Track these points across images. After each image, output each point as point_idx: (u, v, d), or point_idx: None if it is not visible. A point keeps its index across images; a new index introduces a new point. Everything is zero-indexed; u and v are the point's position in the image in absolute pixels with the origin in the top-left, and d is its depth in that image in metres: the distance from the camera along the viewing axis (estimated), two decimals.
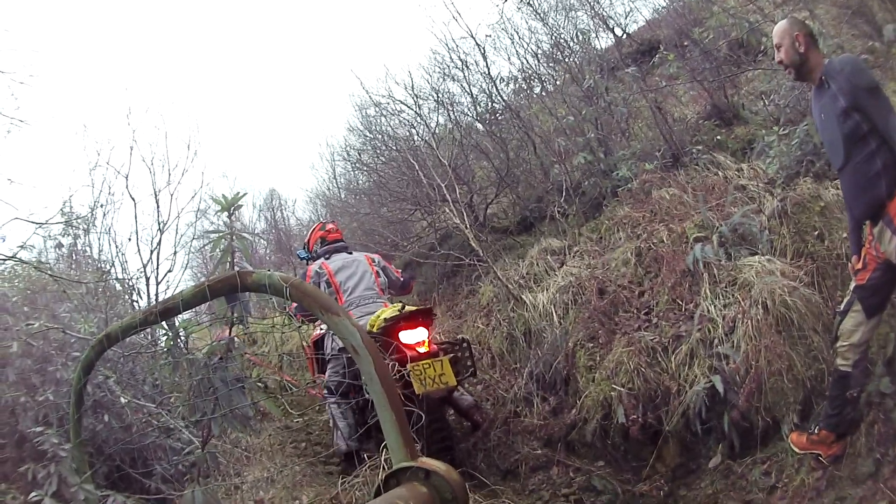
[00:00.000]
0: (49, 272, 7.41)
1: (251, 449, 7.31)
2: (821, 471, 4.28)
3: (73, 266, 8.27)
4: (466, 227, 8.08)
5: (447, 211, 8.66)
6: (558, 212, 8.46)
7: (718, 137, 7.74)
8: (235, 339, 4.84)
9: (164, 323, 5.00)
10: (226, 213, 4.37)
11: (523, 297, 7.36)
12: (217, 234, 4.45)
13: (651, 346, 5.57)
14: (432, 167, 9.64)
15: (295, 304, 7.38)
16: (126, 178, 6.88)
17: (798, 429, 4.83)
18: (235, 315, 5.09)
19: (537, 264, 8.06)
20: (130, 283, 7.36)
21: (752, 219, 5.82)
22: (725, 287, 5.46)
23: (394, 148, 11.64)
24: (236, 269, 4.30)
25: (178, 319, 5.10)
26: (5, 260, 6.82)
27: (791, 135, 6.42)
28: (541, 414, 6.28)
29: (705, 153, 7.35)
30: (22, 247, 6.90)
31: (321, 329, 7.46)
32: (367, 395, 6.90)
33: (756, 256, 5.54)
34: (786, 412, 4.77)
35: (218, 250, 4.43)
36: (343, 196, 14.92)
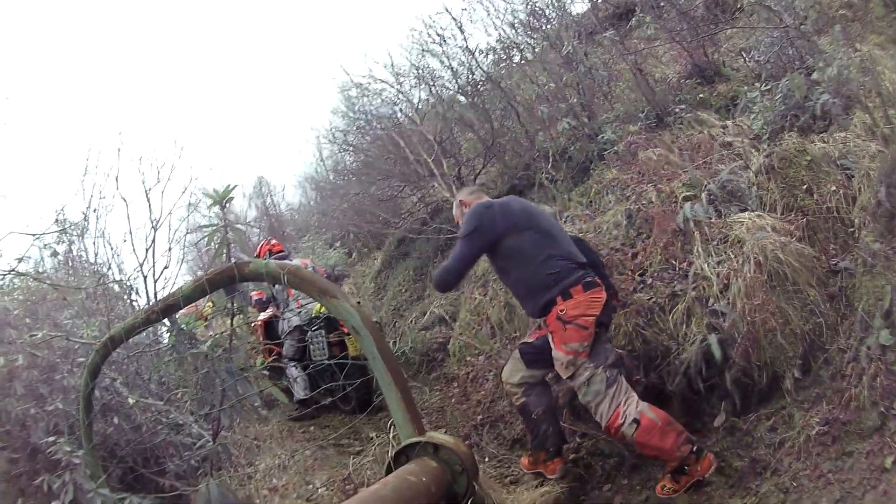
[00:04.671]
0: (48, 281, 7.34)
1: (261, 437, 7.24)
2: (826, 426, 4.22)
3: (71, 273, 8.18)
4: (454, 199, 7.98)
5: (435, 185, 8.57)
6: (546, 178, 8.36)
7: (701, 96, 7.71)
8: (237, 329, 4.84)
9: (166, 320, 5.01)
10: (218, 207, 4.31)
11: None
12: (211, 228, 4.37)
13: (648, 307, 5.47)
14: (418, 143, 9.55)
15: (255, 297, 9.71)
16: (116, 180, 6.75)
17: (530, 453, 5.46)
18: (236, 306, 5.06)
19: None
20: (128, 284, 7.26)
21: (740, 175, 5.76)
22: (717, 244, 5.38)
23: (378, 127, 11.52)
24: (233, 260, 4.23)
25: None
26: (5, 274, 6.73)
27: (774, 90, 6.35)
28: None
29: (689, 112, 7.29)
30: (20, 260, 6.84)
31: (263, 315, 9.86)
32: (324, 363, 8.07)
33: (746, 213, 5.47)
34: (786, 367, 4.71)
35: (213, 244, 4.35)
36: (332, 178, 14.78)
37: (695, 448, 4.53)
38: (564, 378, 4.97)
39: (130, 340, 6.26)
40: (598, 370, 4.74)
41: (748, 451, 4.59)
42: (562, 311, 4.80)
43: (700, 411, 5.22)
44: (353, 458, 5.64)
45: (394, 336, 9.90)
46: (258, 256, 9.27)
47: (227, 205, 4.34)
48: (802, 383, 4.67)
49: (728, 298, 5.00)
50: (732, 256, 5.16)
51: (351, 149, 12.75)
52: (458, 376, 7.57)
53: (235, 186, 4.28)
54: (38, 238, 6.83)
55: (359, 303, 7.58)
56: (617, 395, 4.70)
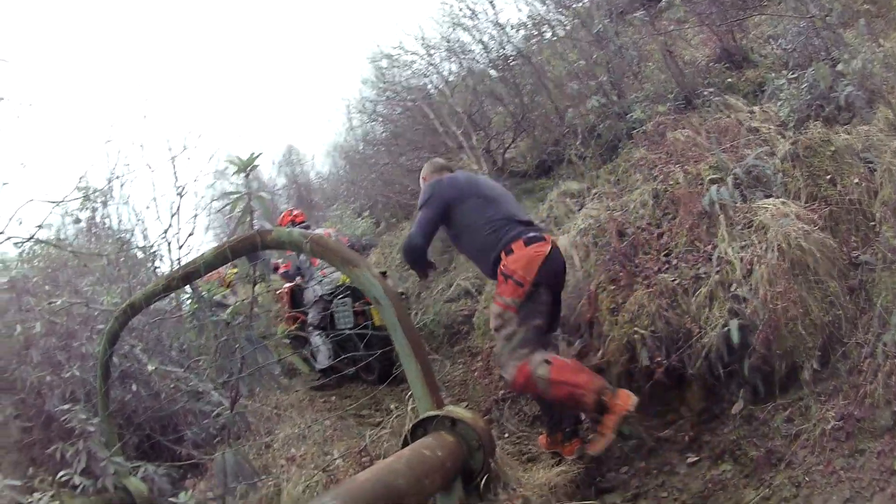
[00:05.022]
0: (69, 248, 7.33)
1: (281, 406, 7.28)
2: (841, 421, 4.17)
3: (93, 240, 8.17)
4: (483, 172, 7.96)
5: (464, 158, 8.52)
6: (575, 155, 8.31)
7: (729, 80, 7.62)
8: (259, 297, 4.80)
9: (187, 287, 4.99)
10: (242, 174, 4.19)
11: None
12: (234, 195, 4.25)
13: (671, 288, 5.42)
14: (447, 115, 9.48)
15: (282, 269, 9.64)
16: (141, 147, 6.74)
17: (547, 433, 5.52)
18: (258, 273, 5.06)
19: (557, 207, 7.91)
20: (152, 250, 7.25)
21: (766, 161, 5.67)
22: (742, 229, 5.31)
23: (408, 98, 11.44)
24: (255, 228, 4.15)
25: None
26: (24, 241, 6.72)
27: (800, 79, 6.27)
28: (568, 358, 6.15)
29: (717, 95, 7.18)
30: (40, 226, 6.82)
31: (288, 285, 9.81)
32: (347, 332, 8.01)
33: (771, 199, 5.38)
34: (805, 358, 4.65)
35: (236, 211, 4.25)
36: (361, 148, 14.72)
37: (608, 385, 4.78)
38: (492, 329, 5.36)
39: (152, 307, 6.31)
40: (521, 329, 5.05)
41: (764, 441, 4.54)
42: (504, 265, 5.22)
43: (719, 397, 5.17)
44: (371, 430, 5.64)
45: (418, 308, 9.85)
46: (280, 226, 9.07)
47: (251, 172, 4.22)
48: (820, 375, 4.60)
49: (751, 284, 4.94)
50: (756, 242, 5.09)
51: (380, 119, 12.68)
52: (481, 350, 7.53)
53: (260, 154, 4.19)
54: (56, 205, 6.77)
55: (384, 273, 7.74)
56: (527, 355, 5.00)
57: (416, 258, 5.71)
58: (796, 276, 4.79)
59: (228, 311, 4.73)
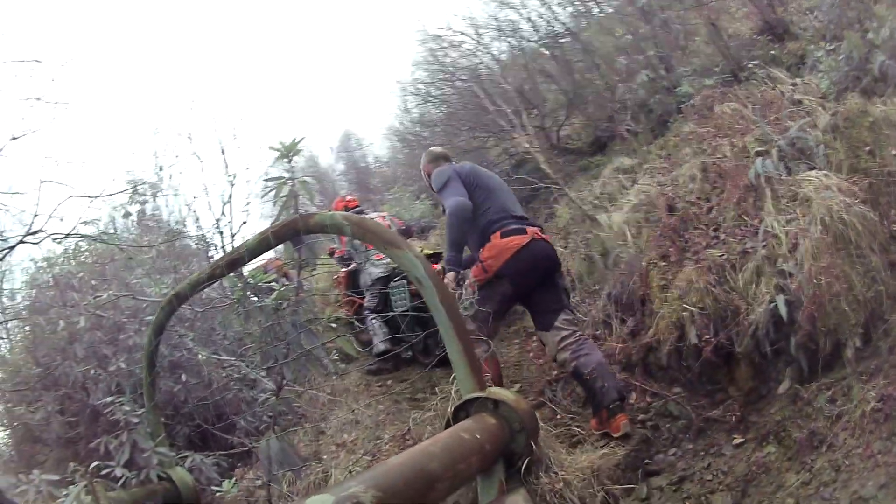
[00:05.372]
0: (115, 242, 7.37)
1: (337, 392, 7.31)
2: (881, 402, 3.99)
3: (144, 232, 8.22)
4: (536, 150, 7.86)
5: (516, 137, 8.41)
6: (626, 130, 8.16)
7: (773, 52, 7.47)
8: (303, 281, 4.87)
9: (232, 274, 4.97)
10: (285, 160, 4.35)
11: (598, 217, 7.09)
12: (278, 181, 4.36)
13: (719, 264, 5.27)
14: (498, 94, 9.35)
15: (336, 254, 9.53)
16: (189, 137, 6.74)
17: (594, 414, 5.46)
18: (303, 258, 5.03)
19: (610, 184, 7.78)
20: (205, 240, 7.26)
21: (808, 133, 5.47)
22: (787, 202, 5.14)
23: (459, 78, 11.30)
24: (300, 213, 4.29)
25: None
26: (64, 237, 6.78)
27: (837, 50, 6.05)
28: (620, 337, 6.08)
29: (761, 68, 6.99)
30: (85, 222, 6.87)
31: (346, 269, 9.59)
32: (394, 312, 7.84)
33: (814, 171, 5.19)
34: (848, 335, 4.47)
35: (281, 196, 4.34)
36: (417, 130, 14.54)
37: None
38: None
39: (204, 296, 6.34)
40: (472, 307, 5.29)
41: (807, 422, 4.38)
42: (481, 253, 5.64)
43: (766, 376, 5.03)
44: (414, 414, 5.60)
45: None
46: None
47: (294, 157, 4.36)
48: (863, 353, 4.43)
49: (796, 259, 4.77)
50: (800, 215, 4.92)
51: (433, 100, 12.53)
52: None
53: (303, 139, 4.31)
54: (93, 200, 6.82)
55: (440, 254, 7.66)
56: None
57: (467, 214, 5.61)
58: (839, 250, 4.61)
59: (273, 296, 4.73)
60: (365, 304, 8.99)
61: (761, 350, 4.91)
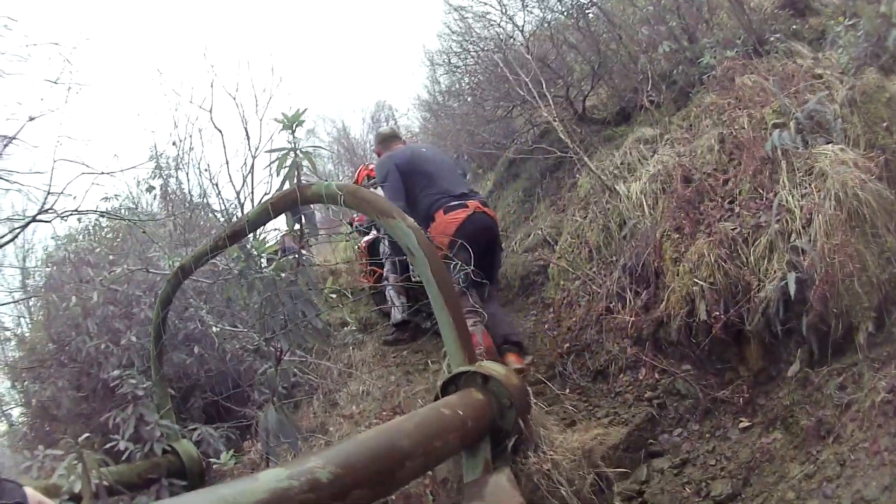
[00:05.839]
0: (124, 217, 7.36)
1: (353, 363, 7.11)
2: (891, 393, 3.63)
3: (168, 206, 8.05)
4: (556, 120, 7.55)
5: (539, 106, 8.07)
6: (648, 101, 7.76)
7: (794, 27, 7.02)
8: (304, 252, 4.75)
9: (236, 245, 4.85)
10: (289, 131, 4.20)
11: (617, 187, 6.72)
12: (281, 152, 4.26)
13: (731, 238, 4.92)
14: (524, 65, 8.98)
15: (358, 220, 9.07)
16: (210, 111, 6.54)
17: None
18: (306, 229, 4.89)
19: (630, 154, 7.39)
20: (226, 212, 7.05)
21: (826, 106, 5.05)
22: (803, 176, 4.75)
23: (483, 48, 10.92)
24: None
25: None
26: (71, 213, 6.79)
27: (856, 26, 5.64)
28: (633, 309, 5.71)
29: (783, 42, 6.60)
30: (106, 198, 6.82)
31: (368, 237, 8.87)
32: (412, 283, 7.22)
33: (830, 145, 4.79)
34: (861, 318, 4.08)
35: (283, 167, 4.23)
36: (443, 100, 14.17)
37: None
38: None
39: (220, 267, 6.14)
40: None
41: (816, 409, 4.05)
42: (429, 232, 5.62)
43: (777, 357, 4.65)
44: (405, 388, 5.41)
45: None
46: (357, 181, 9.17)
47: (297, 128, 4.22)
48: (875, 339, 4.05)
49: (809, 235, 4.39)
50: (815, 190, 4.53)
51: (458, 70, 12.17)
52: (553, 301, 7.13)
53: (305, 110, 4.21)
54: (97, 177, 6.80)
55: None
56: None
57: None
58: (853, 228, 4.22)
59: (271, 266, 4.67)
60: (384, 274, 8.41)
61: (772, 329, 4.56)
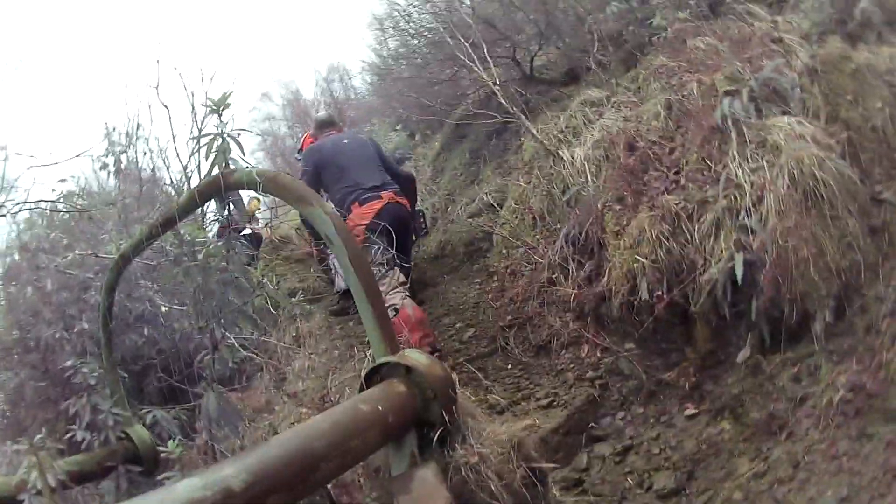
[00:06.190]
0: (72, 206, 7.33)
1: (301, 335, 6.88)
2: (851, 392, 3.28)
3: (123, 183, 7.81)
4: (496, 84, 7.23)
5: (479, 70, 7.70)
6: (596, 62, 7.38)
7: None
8: (234, 239, 4.79)
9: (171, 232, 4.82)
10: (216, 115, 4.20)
11: (561, 152, 6.34)
12: (208, 137, 4.24)
13: (675, 213, 4.52)
14: (466, 26, 8.54)
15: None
16: (156, 88, 6.27)
17: None
18: (233, 214, 4.76)
19: (576, 117, 6.99)
20: (176, 186, 6.78)
21: (784, 74, 4.63)
22: (755, 148, 4.32)
23: (428, 10, 10.46)
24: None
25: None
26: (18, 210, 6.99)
27: None
28: (575, 282, 5.41)
29: (741, 3, 6.15)
30: (62, 180, 7.10)
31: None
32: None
33: (786, 117, 4.34)
34: (817, 307, 3.71)
35: (211, 152, 4.22)
36: (391, 63, 13.62)
37: (434, 354, 4.51)
38: None
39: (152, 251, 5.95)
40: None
41: (767, 401, 3.74)
42: (348, 224, 5.34)
43: (726, 340, 4.30)
44: (332, 376, 5.13)
45: (444, 224, 9.16)
46: (302, 147, 9.16)
47: (223, 112, 4.18)
48: (834, 330, 3.68)
49: (760, 214, 4.00)
50: (767, 165, 4.12)
51: (405, 32, 11.72)
52: (497, 269, 6.87)
53: (231, 93, 4.21)
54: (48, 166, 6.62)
55: (422, 212, 7.63)
56: (383, 287, 5.50)
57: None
58: (809, 209, 3.81)
59: (201, 254, 4.64)
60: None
61: (720, 312, 4.20)
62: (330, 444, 2.63)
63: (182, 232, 4.83)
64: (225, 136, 4.12)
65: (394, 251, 6.01)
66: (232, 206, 5.69)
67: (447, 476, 3.15)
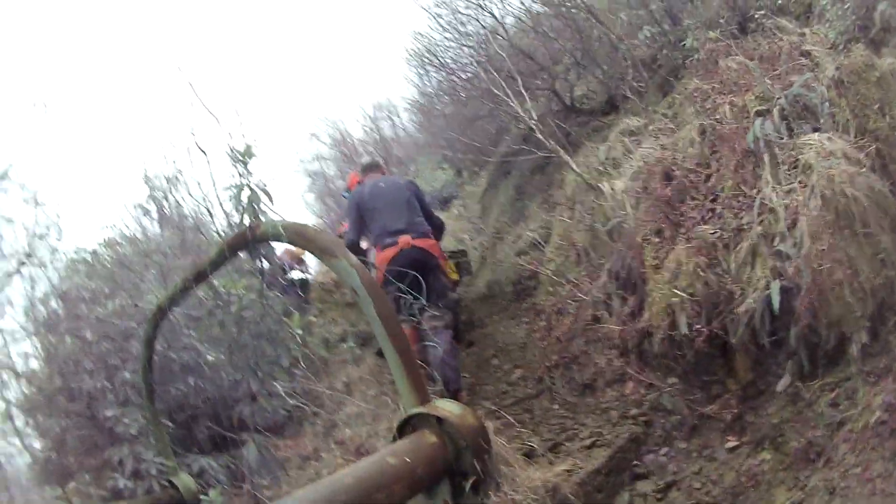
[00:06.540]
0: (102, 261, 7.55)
1: (351, 381, 6.99)
2: (886, 413, 3.22)
3: (165, 227, 7.98)
4: (532, 120, 7.23)
5: (515, 107, 7.70)
6: (629, 89, 7.36)
7: (780, 1, 6.46)
8: (267, 290, 4.91)
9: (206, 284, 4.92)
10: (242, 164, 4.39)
11: (602, 185, 6.30)
12: (235, 187, 4.38)
13: (711, 243, 4.48)
14: (506, 58, 8.56)
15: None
16: (192, 133, 6.44)
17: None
18: (266, 266, 4.90)
19: (616, 147, 6.95)
20: (220, 233, 6.94)
21: (812, 88, 4.57)
22: (788, 170, 4.26)
23: (463, 45, 10.48)
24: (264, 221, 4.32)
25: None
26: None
27: None
28: (619, 317, 5.33)
29: (769, 18, 6.08)
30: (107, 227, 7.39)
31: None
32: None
33: (817, 134, 4.29)
34: (854, 329, 3.64)
35: (240, 203, 4.40)
36: (432, 100, 13.56)
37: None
38: None
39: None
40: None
41: (806, 429, 3.69)
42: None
43: (766, 370, 4.26)
44: (367, 426, 5.24)
45: (492, 262, 9.14)
46: (349, 187, 9.06)
47: (249, 161, 4.37)
48: (870, 350, 3.63)
49: (795, 238, 3.94)
50: (800, 187, 4.06)
51: (443, 69, 11.77)
52: (544, 307, 6.75)
53: (255, 144, 4.37)
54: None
55: (464, 252, 8.21)
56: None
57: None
58: (842, 229, 3.74)
59: (234, 307, 4.87)
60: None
61: (759, 341, 4.16)
62: (352, 499, 2.53)
63: (216, 284, 4.94)
64: (251, 186, 4.24)
65: (408, 296, 5.79)
66: (264, 259, 5.78)
67: None
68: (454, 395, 5.71)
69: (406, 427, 3.17)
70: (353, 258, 3.69)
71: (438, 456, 2.97)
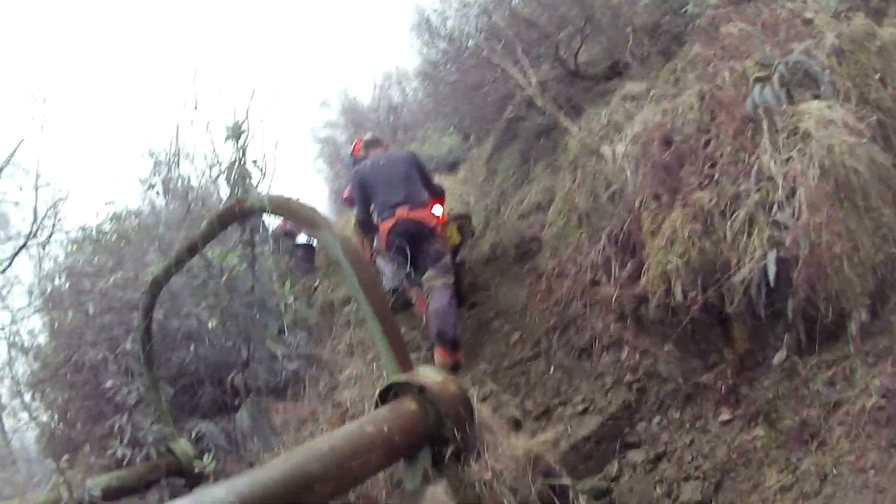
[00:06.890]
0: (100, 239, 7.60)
1: (354, 342, 7.05)
2: (884, 398, 3.00)
3: (172, 201, 7.89)
4: (531, 87, 6.99)
5: (515, 74, 7.47)
6: (631, 54, 7.09)
7: None
8: (258, 257, 4.93)
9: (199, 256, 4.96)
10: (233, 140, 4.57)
11: (602, 149, 6.05)
12: (227, 163, 4.60)
13: (707, 210, 4.22)
14: (509, 25, 8.28)
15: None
16: (195, 106, 6.30)
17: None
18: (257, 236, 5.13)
19: (617, 112, 6.68)
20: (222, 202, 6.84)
21: (814, 56, 4.28)
22: (787, 137, 3.98)
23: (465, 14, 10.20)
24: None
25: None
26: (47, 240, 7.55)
27: None
28: (617, 282, 5.10)
29: None
30: (109, 203, 7.64)
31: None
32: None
33: (816, 101, 4.01)
34: (853, 305, 3.41)
35: (231, 178, 4.62)
36: (438, 68, 13.25)
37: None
38: None
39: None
40: (386, 267, 6.68)
41: (802, 407, 3.47)
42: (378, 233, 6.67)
43: (763, 341, 4.02)
44: (348, 392, 5.19)
45: (495, 225, 8.84)
46: (353, 151, 9.08)
47: (239, 138, 4.53)
48: (870, 328, 3.40)
49: (793, 208, 3.68)
50: (798, 155, 3.78)
51: (447, 37, 11.46)
52: (546, 270, 6.46)
53: (245, 120, 4.49)
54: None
55: (468, 216, 7.96)
56: (393, 280, 6.57)
57: (365, 229, 7.12)
58: (841, 200, 3.49)
59: (224, 278, 4.95)
60: (374, 246, 7.75)
61: (756, 312, 3.91)
62: (327, 465, 2.60)
63: (208, 255, 4.96)
64: (240, 162, 4.36)
65: (409, 267, 6.48)
66: (254, 230, 5.66)
67: (459, 493, 3.05)
68: (452, 345, 5.97)
69: (388, 394, 3.21)
70: (336, 230, 3.69)
71: (418, 424, 3.03)
